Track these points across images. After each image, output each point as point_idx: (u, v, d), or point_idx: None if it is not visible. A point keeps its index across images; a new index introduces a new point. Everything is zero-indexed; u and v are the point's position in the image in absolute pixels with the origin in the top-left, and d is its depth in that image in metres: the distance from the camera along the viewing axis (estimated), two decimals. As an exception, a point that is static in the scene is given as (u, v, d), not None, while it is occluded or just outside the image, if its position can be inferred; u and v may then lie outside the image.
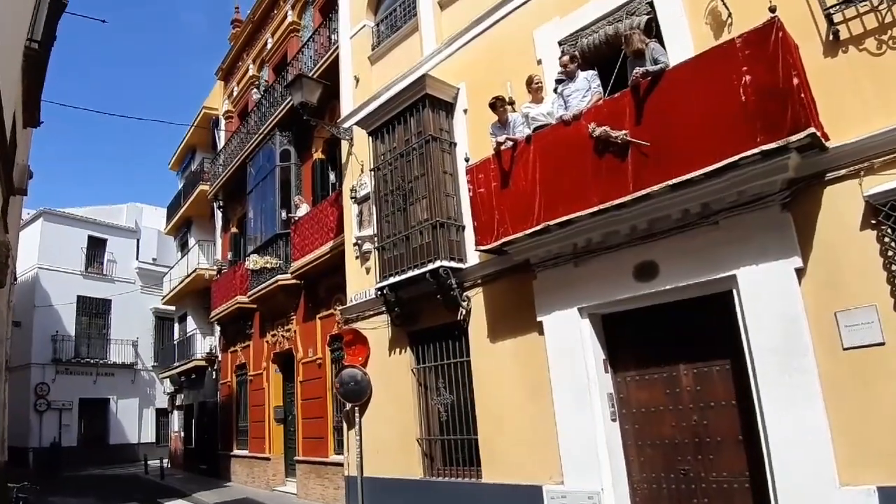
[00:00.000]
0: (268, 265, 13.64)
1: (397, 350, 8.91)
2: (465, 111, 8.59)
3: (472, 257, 8.00)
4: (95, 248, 27.28)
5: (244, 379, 15.94)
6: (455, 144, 8.58)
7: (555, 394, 6.77)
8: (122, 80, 71.04)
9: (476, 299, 7.88)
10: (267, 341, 14.54)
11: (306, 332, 12.80)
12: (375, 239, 9.41)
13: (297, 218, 12.85)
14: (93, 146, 69.59)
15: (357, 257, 10.04)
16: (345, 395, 9.39)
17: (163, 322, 27.27)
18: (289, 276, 13.00)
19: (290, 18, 15.64)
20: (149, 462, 20.80)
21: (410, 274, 8.14)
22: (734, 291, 5.58)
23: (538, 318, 7.02)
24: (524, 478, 6.93)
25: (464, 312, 7.93)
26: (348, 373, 9.40)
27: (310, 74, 12.97)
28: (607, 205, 6.00)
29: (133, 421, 26.92)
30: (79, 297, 25.96)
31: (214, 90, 21.11)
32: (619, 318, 6.69)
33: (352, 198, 10.08)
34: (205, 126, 20.83)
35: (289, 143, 14.11)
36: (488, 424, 7.47)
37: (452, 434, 8.03)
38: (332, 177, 12.52)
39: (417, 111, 8.59)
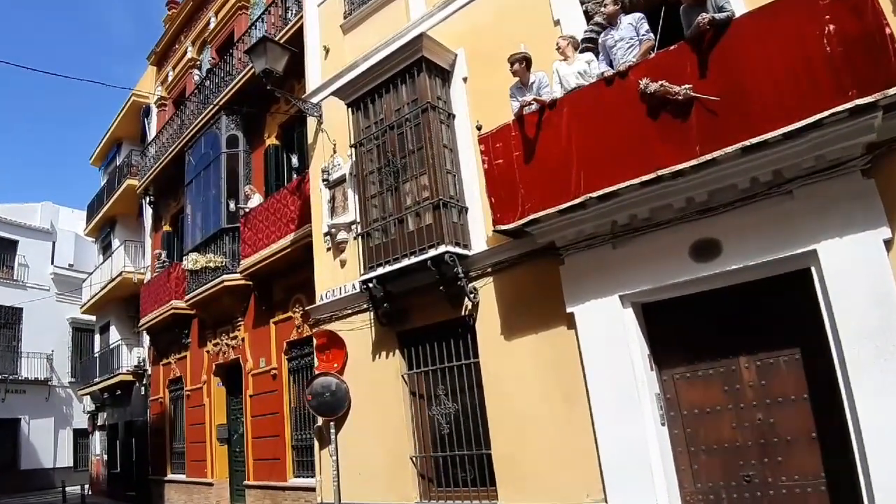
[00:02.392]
0: (210, 264, 12.03)
1: (383, 353, 7.64)
2: (465, 79, 7.50)
3: (478, 243, 6.91)
4: (4, 250, 24.45)
5: (180, 394, 14.12)
6: (454, 116, 7.47)
7: (593, 397, 5.74)
8: (33, 81, 65.90)
9: (485, 291, 6.76)
10: (208, 351, 12.86)
11: (258, 339, 11.29)
12: (356, 226, 8.17)
13: (247, 210, 11.36)
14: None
15: (329, 249, 8.71)
16: (318, 407, 8.03)
17: (81, 333, 24.68)
18: (237, 275, 11.47)
19: (237, -6, 14.15)
20: (67, 489, 18.46)
21: (406, 263, 6.93)
22: (812, 269, 4.85)
23: (568, 310, 5.98)
24: (555, 497, 5.85)
25: (470, 306, 6.80)
26: (322, 382, 8.04)
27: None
28: (666, 171, 5.10)
29: (48, 443, 24.08)
30: (-17, 305, 22.99)
31: (145, 76, 19.19)
32: (664, 307, 5.75)
33: (323, 180, 8.77)
34: (134, 115, 18.84)
35: (237, 127, 12.60)
36: (505, 436, 6.34)
37: (457, 449, 6.83)
38: (293, 160, 11.13)
39: (411, 77, 7.43)
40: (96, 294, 18.54)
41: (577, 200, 5.58)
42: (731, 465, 5.33)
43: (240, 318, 11.84)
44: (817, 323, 4.82)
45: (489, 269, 6.75)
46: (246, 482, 11.11)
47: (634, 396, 5.53)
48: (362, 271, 7.47)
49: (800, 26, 4.64)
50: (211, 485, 12.33)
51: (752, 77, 4.78)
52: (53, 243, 26.01)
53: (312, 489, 9.39)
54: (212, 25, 15.23)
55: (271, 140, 11.94)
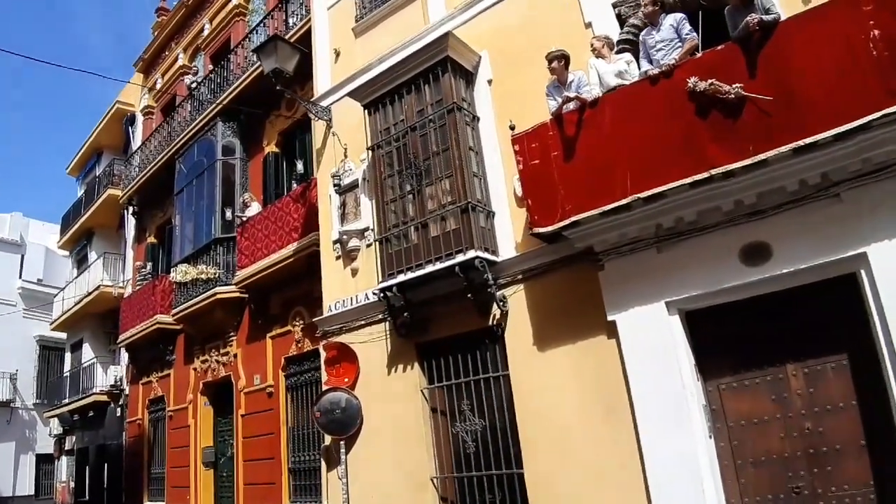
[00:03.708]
0: (202, 276, 11.43)
1: (401, 367, 7.18)
2: (490, 82, 7.23)
3: (506, 249, 6.57)
4: (-33, 262, 23.15)
5: (161, 415, 13.32)
6: (478, 119, 7.18)
7: (638, 410, 5.40)
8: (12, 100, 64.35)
9: (515, 299, 6.39)
10: (195, 368, 12.17)
11: (252, 354, 10.69)
12: (370, 233, 7.78)
13: (245, 218, 10.85)
14: None
15: (338, 257, 8.27)
16: (327, 425, 7.50)
17: (49, 352, 23.42)
18: (232, 287, 10.90)
19: (235, 1, 13.77)
20: (25, 520, 17.22)
21: (430, 269, 6.53)
22: (862, 272, 4.77)
23: (609, 318, 5.67)
24: None
25: (498, 315, 6.41)
26: (331, 397, 7.53)
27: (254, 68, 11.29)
28: (718, 170, 4.94)
29: (7, 470, 22.38)
30: (-58, 321, 21.64)
31: (130, 83, 18.56)
32: (708, 314, 5.49)
33: (335, 185, 8.35)
34: (117, 123, 18.20)
35: (233, 134, 12.12)
36: (540, 454, 5.92)
37: (484, 469, 6.36)
38: (299, 166, 10.66)
39: (435, 77, 7.13)
40: (70, 309, 17.62)
41: (624, 201, 5.36)
42: (780, 477, 5.12)
43: (232, 333, 11.23)
44: (866, 327, 4.74)
45: (519, 276, 6.40)
46: (235, 509, 10.41)
47: (683, 408, 5.24)
48: (380, 279, 7.05)
49: (846, 30, 4.70)
50: (194, 512, 11.55)
51: (801, 78, 4.78)
52: (22, 256, 24.79)
53: (310, 516, 8.83)
54: (206, 32, 14.79)
55: (271, 147, 11.49)
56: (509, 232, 6.61)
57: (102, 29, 71.39)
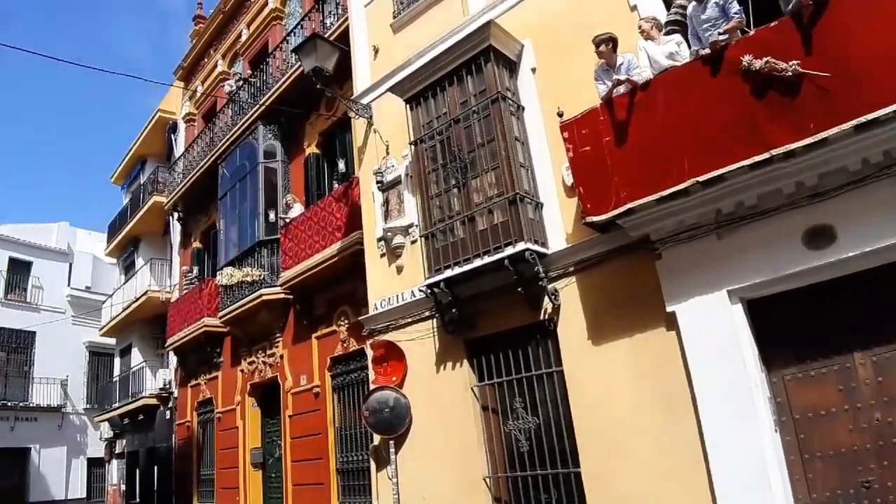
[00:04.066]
0: (247, 278, 11.51)
1: (449, 364, 7.05)
2: (534, 70, 7.06)
3: (556, 241, 6.38)
4: (18, 271, 23.69)
5: (209, 417, 13.47)
6: (523, 108, 7.01)
7: (701, 403, 5.15)
8: (53, 115, 66.51)
9: (567, 292, 6.20)
10: (242, 370, 12.26)
11: (298, 355, 10.71)
12: (415, 229, 7.69)
13: (288, 220, 10.88)
14: (18, 158, 64.33)
15: (383, 255, 8.19)
16: (375, 425, 7.41)
17: (99, 358, 24.03)
18: (276, 289, 10.94)
19: (271, 5, 13.89)
20: (79, 523, 17.60)
21: (478, 263, 6.38)
22: None
23: (668, 309, 5.42)
24: None
25: (550, 309, 6.23)
26: (379, 397, 7.44)
27: (296, 63, 11.31)
28: (779, 150, 4.70)
29: (59, 474, 23.02)
30: (-5, 328, 22.33)
31: (171, 92, 18.91)
32: (770, 303, 5.22)
33: (377, 182, 8.28)
34: (159, 131, 18.55)
35: (274, 137, 12.19)
36: (597, 452, 5.71)
37: (539, 468, 6.19)
38: (340, 165, 10.64)
39: (478, 67, 6.98)
40: (118, 315, 18.00)
41: (681, 186, 5.13)
42: (849, 472, 4.84)
43: (278, 334, 11.27)
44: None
45: (571, 269, 6.20)
46: (284, 510, 10.42)
47: (748, 401, 5.00)
48: (426, 275, 6.93)
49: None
50: (244, 513, 11.62)
51: (859, 53, 4.54)
52: (70, 265, 25.47)
53: (359, 516, 8.76)
54: (244, 37, 14.97)
55: (311, 149, 11.51)
56: (559, 223, 6.43)
57: (138, 41, 73.30)
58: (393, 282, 7.92)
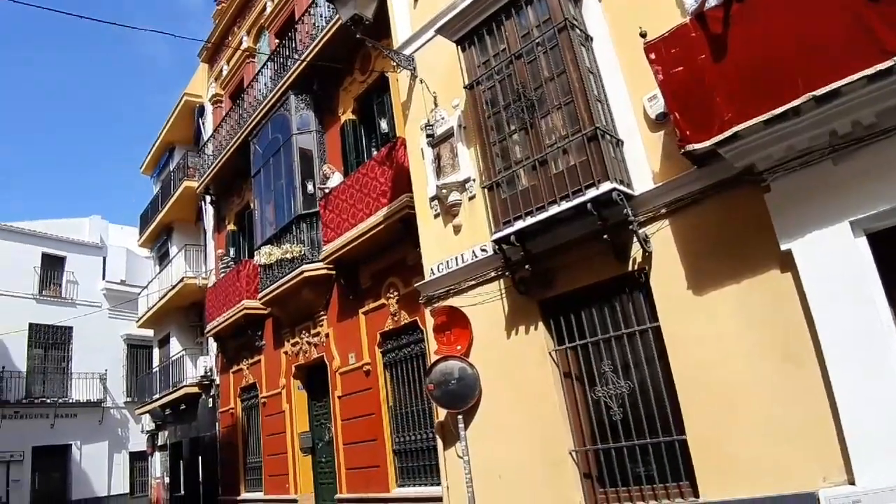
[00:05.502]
0: (287, 255, 10.92)
1: (522, 328, 6.34)
2: (601, -4, 6.27)
3: (641, 182, 5.62)
4: (51, 266, 23.50)
5: (254, 403, 12.97)
6: (591, 38, 6.22)
7: (826, 351, 4.41)
8: (70, 115, 67.09)
9: (659, 238, 5.44)
10: (286, 352, 11.72)
11: (345, 332, 10.10)
12: (472, 183, 7.01)
13: (327, 190, 10.24)
14: (47, 157, 65.18)
15: (437, 216, 7.50)
16: (441, 398, 6.75)
17: (137, 350, 23.84)
18: (319, 264, 10.33)
19: (295, -26, 13.20)
20: (124, 517, 17.33)
21: (555, 210, 5.64)
22: None
23: (783, 247, 4.67)
24: (778, 484, 4.51)
25: (640, 259, 5.49)
26: (443, 368, 6.77)
27: (325, 26, 10.64)
28: None
29: (101, 470, 22.89)
30: (31, 324, 22.03)
31: (197, 75, 18.43)
32: (892, 235, 4.47)
33: (428, 136, 7.57)
34: (186, 116, 18.08)
35: (307, 107, 11.54)
36: (704, 415, 4.97)
37: (635, 437, 5.46)
38: (382, 125, 9.97)
39: (538, -5, 6.21)
40: (154, 305, 17.64)
41: (794, 104, 4.35)
42: None
43: (322, 312, 10.68)
44: None
45: (663, 210, 5.44)
46: (338, 495, 9.84)
47: (880, 348, 4.26)
48: (492, 230, 6.22)
49: None
50: (295, 501, 11.08)
51: None
52: (104, 258, 25.28)
53: (421, 500, 8.16)
54: (268, 10, 14.33)
55: (347, 115, 10.84)
56: (643, 161, 5.66)
57: (156, 38, 73.45)
58: (450, 243, 7.22)
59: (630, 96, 5.86)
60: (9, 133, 58.36)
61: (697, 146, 4.80)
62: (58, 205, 68.72)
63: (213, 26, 17.26)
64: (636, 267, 5.52)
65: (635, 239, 5.45)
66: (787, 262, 4.69)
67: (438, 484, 7.80)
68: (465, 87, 6.81)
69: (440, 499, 7.37)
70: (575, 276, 5.95)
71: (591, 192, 5.38)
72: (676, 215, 5.37)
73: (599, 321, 5.84)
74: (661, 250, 5.40)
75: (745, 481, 4.71)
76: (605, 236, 5.44)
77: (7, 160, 58.25)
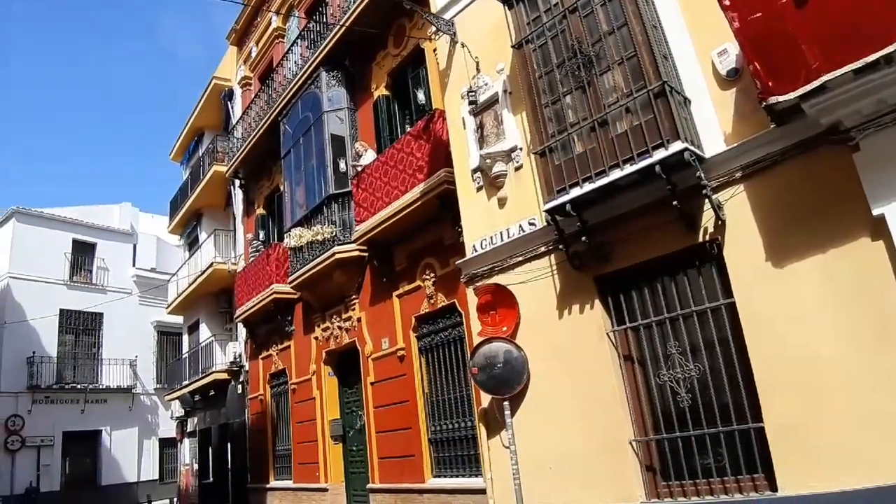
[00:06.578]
0: (318, 237, 10.53)
1: (576, 307, 5.83)
2: (661, -57, 5.70)
3: (712, 144, 5.07)
4: (82, 253, 23.52)
5: (283, 389, 12.65)
6: (651, -10, 5.67)
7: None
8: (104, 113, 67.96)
9: (733, 205, 4.89)
10: (316, 337, 11.35)
11: (377, 316, 9.68)
12: (519, 152, 6.53)
13: (360, 168, 9.82)
14: (78, 145, 66.37)
15: (480, 188, 7.02)
16: (485, 383, 6.28)
17: (166, 337, 23.85)
18: (351, 245, 9.92)
19: (324, -49, 12.76)
20: (152, 504, 17.20)
21: (617, 175, 5.12)
22: None
23: (875, 211, 4.13)
24: (872, 477, 3.98)
25: (712, 228, 4.94)
26: (487, 351, 6.30)
27: (357, 4, 10.18)
28: None
29: (131, 455, 22.94)
30: (62, 310, 22.08)
31: (225, 59, 18.18)
32: None
33: (470, 103, 7.08)
34: (215, 101, 17.82)
35: (338, 84, 11.12)
36: (786, 400, 4.43)
37: (705, 426, 4.93)
38: (420, 96, 9.50)
39: (594, -57, 5.67)
40: (184, 291, 17.45)
41: (888, 50, 3.83)
42: None
43: (353, 296, 10.27)
44: None
45: (738, 174, 4.88)
46: (370, 485, 9.45)
47: None
48: (545, 199, 5.71)
49: None
50: (325, 490, 10.73)
51: None
52: (134, 245, 25.29)
53: (460, 491, 7.71)
54: (298, -12, 13.94)
55: (380, 91, 10.39)
56: (713, 121, 5.12)
57: (182, 29, 74.07)
58: (495, 217, 6.74)
59: (697, 52, 5.32)
60: (48, 121, 59.58)
61: (782, 98, 4.27)
62: (89, 192, 69.96)
63: (240, 9, 16.96)
64: (707, 237, 4.99)
65: (707, 206, 4.91)
66: (878, 229, 4.16)
67: (478, 475, 7.38)
68: (512, 47, 6.31)
69: (481, 491, 6.95)
70: (637, 249, 5.42)
71: (660, 154, 4.86)
72: (753, 179, 4.81)
73: (665, 298, 5.31)
74: (736, 218, 4.85)
75: (830, 473, 4.18)
76: (675, 202, 4.90)
77: (42, 147, 59.47)
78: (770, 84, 4.33)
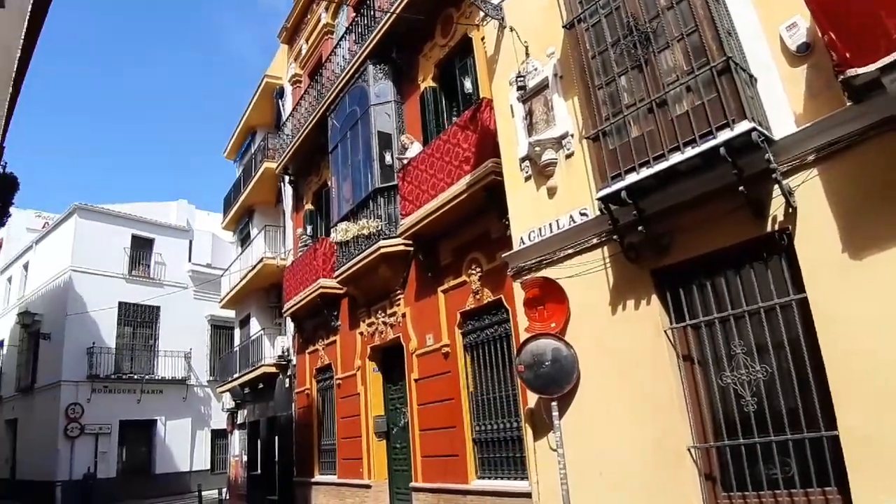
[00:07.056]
0: (364, 231, 10.41)
1: (630, 302, 5.47)
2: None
3: (781, 125, 4.63)
4: (140, 248, 24.37)
5: (329, 384, 12.61)
6: (713, -38, 5.26)
7: None
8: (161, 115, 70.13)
9: (805, 191, 4.45)
10: (361, 333, 11.25)
11: (422, 312, 9.48)
12: (570, 139, 6.21)
13: (406, 161, 9.64)
14: (136, 145, 68.91)
15: (528, 178, 6.72)
16: (533, 382, 5.98)
17: (219, 331, 24.38)
18: (396, 240, 9.75)
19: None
20: (203, 493, 17.42)
21: (678, 158, 4.74)
22: None
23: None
24: None
25: (781, 217, 4.52)
26: (535, 348, 5.99)
27: None
28: None
29: (184, 445, 23.62)
30: (120, 303, 22.92)
31: (277, 57, 18.35)
32: None
33: (519, 88, 6.78)
34: (267, 99, 18.02)
35: (385, 77, 10.98)
36: (863, 406, 3.98)
37: (772, 432, 4.51)
38: (466, 84, 9.27)
39: (651, -87, 5.30)
40: (236, 285, 17.71)
41: None
42: None
43: (399, 291, 10.11)
44: None
45: (811, 158, 4.44)
46: (413, 484, 9.26)
47: None
48: (598, 186, 5.37)
49: None
50: (368, 487, 10.61)
51: None
52: (190, 241, 25.94)
53: (504, 494, 7.43)
54: (347, -18, 13.88)
55: (427, 83, 10.20)
56: (781, 101, 4.68)
57: (241, 29, 75.88)
58: (544, 208, 6.43)
59: (763, 27, 4.89)
60: (116, 122, 61.97)
61: (861, 70, 3.84)
62: (147, 188, 72.65)
63: (292, 6, 17.09)
64: (777, 227, 4.56)
65: (776, 192, 4.50)
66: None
67: (524, 478, 7.09)
68: (564, 27, 5.98)
69: (526, 495, 6.66)
70: (698, 240, 5.02)
71: (725, 135, 4.46)
72: (827, 163, 4.37)
73: (730, 293, 4.89)
74: (809, 205, 4.41)
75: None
76: (741, 188, 4.50)
77: (107, 145, 61.92)
78: (847, 55, 3.91)
